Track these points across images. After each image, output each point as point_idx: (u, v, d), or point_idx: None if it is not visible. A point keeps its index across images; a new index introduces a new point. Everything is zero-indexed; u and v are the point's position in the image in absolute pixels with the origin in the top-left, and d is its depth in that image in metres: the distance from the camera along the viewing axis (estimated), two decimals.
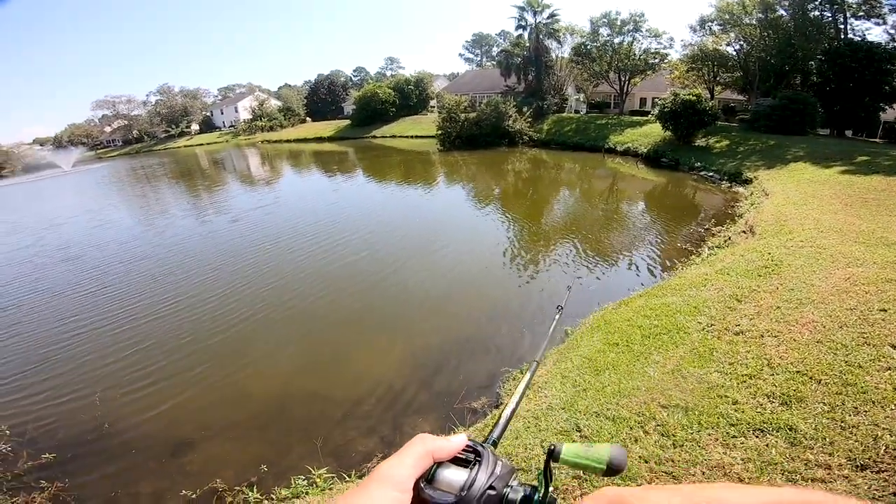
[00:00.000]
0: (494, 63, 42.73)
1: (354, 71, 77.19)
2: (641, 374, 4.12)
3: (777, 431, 2.95)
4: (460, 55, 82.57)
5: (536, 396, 4.50)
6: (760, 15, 21.38)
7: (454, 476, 0.49)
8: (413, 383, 5.71)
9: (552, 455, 0.53)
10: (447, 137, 29.42)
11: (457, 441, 0.52)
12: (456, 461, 0.52)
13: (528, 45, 32.30)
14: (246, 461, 4.61)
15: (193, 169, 35.71)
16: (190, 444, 4.96)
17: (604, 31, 28.83)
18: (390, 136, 41.99)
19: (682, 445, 3.02)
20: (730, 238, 8.59)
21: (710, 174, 16.26)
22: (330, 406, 5.38)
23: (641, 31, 27.93)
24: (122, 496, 4.40)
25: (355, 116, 47.87)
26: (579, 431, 3.54)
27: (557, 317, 1.33)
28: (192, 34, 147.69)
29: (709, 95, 22.63)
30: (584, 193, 16.59)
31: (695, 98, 18.71)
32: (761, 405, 3.25)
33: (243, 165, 35.26)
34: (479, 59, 77.23)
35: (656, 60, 28.29)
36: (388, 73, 74.02)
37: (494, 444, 0.62)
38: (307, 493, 3.94)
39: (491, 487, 0.49)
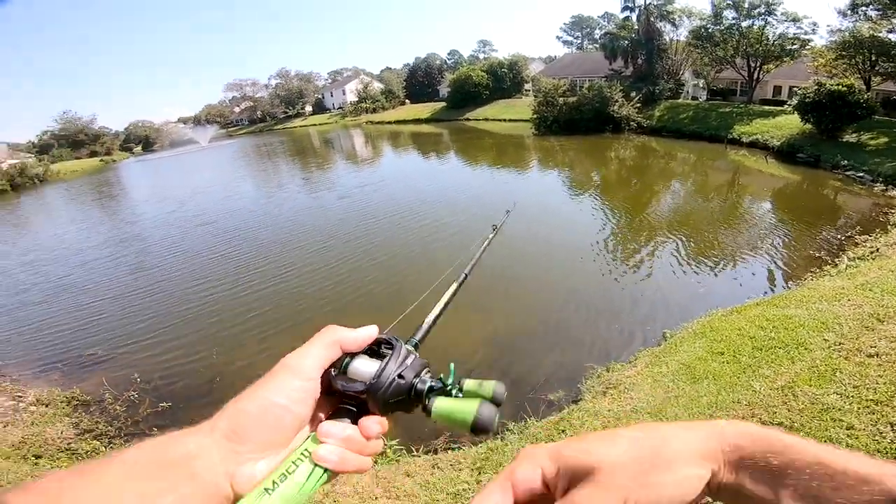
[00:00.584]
0: (597, 46, 40.27)
1: (448, 54, 77.49)
2: (745, 387, 3.76)
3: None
4: (558, 38, 79.08)
5: (621, 397, 4.32)
6: None
7: (365, 367, 0.48)
8: (491, 365, 5.78)
9: (425, 408, 0.50)
10: (543, 122, 28.52)
11: (366, 332, 0.50)
12: (369, 354, 0.51)
13: (636, 27, 29.95)
14: None
15: (307, 147, 39.01)
16: None
17: (728, 13, 25.58)
18: (483, 119, 41.86)
19: None
20: (878, 250, 7.30)
21: (860, 175, 13.79)
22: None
23: (775, 15, 24.30)
24: None
25: (450, 99, 48.41)
26: None
27: (491, 236, 1.21)
28: (307, 21, 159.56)
29: (864, 86, 19.06)
30: (699, 187, 15.10)
31: (845, 88, 15.92)
32: (881, 433, 2.87)
33: (349, 145, 37.73)
34: (578, 42, 73.20)
35: (795, 47, 24.47)
36: (481, 55, 73.27)
37: (416, 346, 0.59)
38: (376, 462, 4.18)
39: (400, 376, 0.48)
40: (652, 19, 29.18)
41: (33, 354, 7.50)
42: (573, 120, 26.98)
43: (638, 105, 26.94)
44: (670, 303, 6.91)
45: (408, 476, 3.62)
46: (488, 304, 7.47)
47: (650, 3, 29.23)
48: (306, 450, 0.44)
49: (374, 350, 0.51)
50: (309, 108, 71.43)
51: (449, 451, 4.09)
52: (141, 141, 69.38)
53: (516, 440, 3.91)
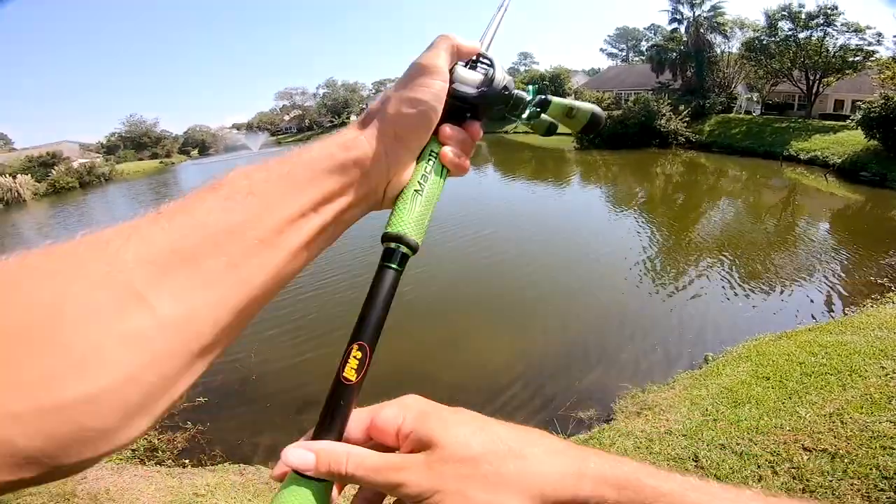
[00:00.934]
0: (643, 58, 39.44)
1: None
2: (790, 412, 3.56)
3: None
4: (601, 50, 77.47)
5: (656, 419, 4.17)
6: None
7: (469, 75, 0.49)
8: (522, 380, 5.71)
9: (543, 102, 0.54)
10: (585, 136, 28.11)
11: (473, 42, 0.50)
12: (467, 65, 0.50)
13: (684, 39, 29.14)
14: None
15: None
16: (314, 404, 5.47)
17: (784, 24, 24.42)
18: (523, 132, 41.70)
19: (814, 491, 2.65)
20: None
21: None
22: (440, 388, 5.61)
23: (835, 25, 22.96)
24: (245, 444, 5.01)
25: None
26: (696, 461, 3.24)
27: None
28: (354, 32, 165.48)
29: None
30: (751, 206, 14.39)
31: None
32: None
33: None
34: (623, 54, 71.83)
35: (858, 58, 23.02)
36: (522, 68, 73.20)
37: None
38: None
39: (505, 88, 0.49)
40: (702, 31, 28.36)
41: None
42: (617, 134, 26.41)
43: (686, 119, 26.08)
44: (715, 325, 6.62)
45: None
46: (524, 318, 7.43)
47: (700, 15, 28.45)
48: (433, 151, 0.46)
49: (472, 63, 0.51)
50: (354, 118, 73.48)
51: None
52: (198, 145, 73.71)
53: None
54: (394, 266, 0.41)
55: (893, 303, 6.04)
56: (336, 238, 0.43)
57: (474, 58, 0.51)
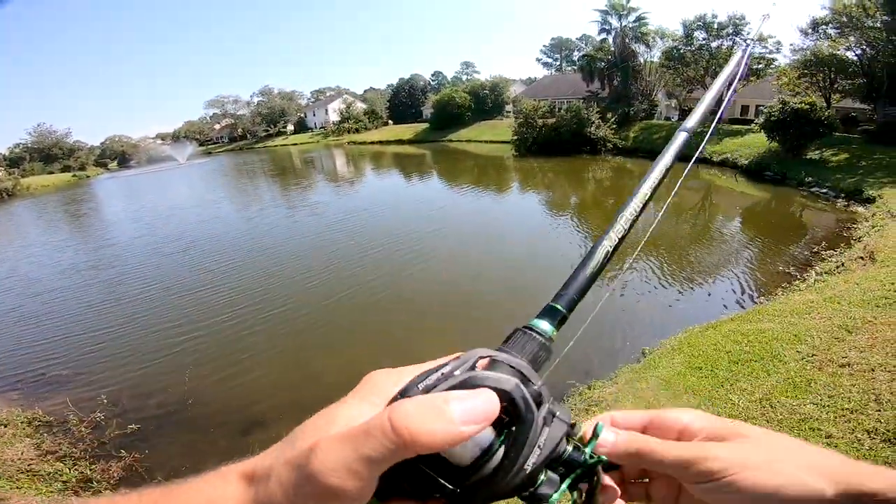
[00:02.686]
0: (575, 68, 41.51)
1: (432, 75, 78.66)
2: (724, 400, 3.83)
3: None
4: (538, 59, 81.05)
5: (602, 414, 4.33)
6: (886, 17, 18.55)
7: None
8: None
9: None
10: (523, 143, 29.08)
11: (486, 403, 0.32)
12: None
13: (612, 49, 31.03)
14: None
15: (287, 167, 38.75)
16: (260, 424, 5.31)
17: (699, 34, 26.89)
18: (466, 141, 42.46)
19: None
20: (843, 264, 7.59)
21: (823, 191, 14.44)
22: None
23: (742, 35, 25.64)
24: (188, 471, 4.68)
25: (433, 120, 49.02)
26: None
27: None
28: (289, 38, 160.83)
29: (825, 104, 20.08)
30: (673, 206, 15.45)
31: (807, 107, 16.72)
32: (859, 440, 2.99)
33: (331, 166, 37.58)
34: (557, 63, 75.43)
35: (761, 66, 25.77)
36: (464, 77, 74.75)
37: (563, 320, 0.42)
38: None
39: (522, 468, 0.32)
40: (627, 41, 30.17)
41: None
42: (552, 141, 27.58)
43: (614, 126, 27.74)
44: (648, 320, 7.02)
45: None
46: (460, 323, 7.48)
47: (626, 26, 30.26)
48: None
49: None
50: (290, 127, 71.36)
51: None
52: (117, 156, 68.07)
53: None
54: None
55: (800, 290, 6.71)
56: None
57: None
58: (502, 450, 0.32)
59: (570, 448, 0.36)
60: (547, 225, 13.61)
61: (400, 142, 49.30)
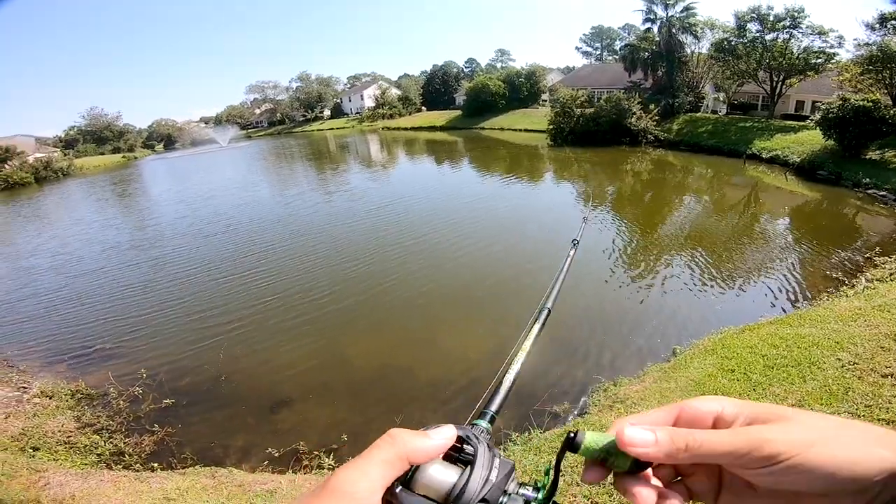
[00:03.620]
0: (616, 57, 40.17)
1: (466, 62, 77.70)
2: None
3: None
4: (577, 48, 78.67)
5: (627, 412, 4.26)
6: None
7: (439, 476, 0.40)
8: (494, 377, 5.74)
9: (571, 445, 0.42)
10: (559, 132, 28.45)
11: (440, 438, 0.42)
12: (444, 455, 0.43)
13: (657, 39, 29.76)
14: (331, 426, 4.97)
15: (324, 152, 39.45)
16: (287, 404, 5.47)
17: (752, 26, 25.23)
18: (499, 129, 41.92)
19: None
20: None
21: (882, 194, 13.47)
22: (417, 384, 5.64)
23: (801, 28, 23.92)
24: (217, 447, 4.88)
25: (466, 107, 48.67)
26: None
27: (572, 253, 1.05)
28: (327, 24, 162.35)
29: (890, 102, 18.63)
30: (716, 203, 14.89)
31: (871, 104, 15.57)
32: None
33: (366, 151, 37.98)
34: (598, 52, 73.03)
35: (820, 60, 24.01)
36: (499, 65, 73.49)
37: (492, 420, 0.51)
38: None
39: (483, 500, 0.39)
40: (674, 31, 28.93)
41: (42, 345, 7.67)
42: (590, 131, 26.85)
43: (656, 118, 26.73)
44: (682, 319, 6.82)
45: None
46: (499, 313, 7.47)
47: (672, 16, 29.01)
48: None
49: (453, 449, 0.43)
50: (327, 112, 72.36)
51: None
52: (163, 139, 70.98)
53: (520, 451, 3.88)
54: None
55: (847, 296, 6.34)
56: None
57: (457, 445, 0.43)
58: (469, 478, 0.40)
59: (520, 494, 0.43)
60: (582, 216, 13.34)
61: (433, 128, 49.21)
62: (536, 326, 0.71)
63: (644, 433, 0.39)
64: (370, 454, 0.39)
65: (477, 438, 0.44)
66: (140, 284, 10.11)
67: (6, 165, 37.49)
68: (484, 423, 0.50)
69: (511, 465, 0.43)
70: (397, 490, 0.39)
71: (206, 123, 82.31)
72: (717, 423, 0.42)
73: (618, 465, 0.42)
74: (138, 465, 4.69)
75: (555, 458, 0.43)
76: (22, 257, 13.94)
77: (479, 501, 0.39)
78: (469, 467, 0.41)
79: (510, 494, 0.42)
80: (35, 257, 13.65)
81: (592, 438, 0.42)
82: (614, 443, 0.41)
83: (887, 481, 0.35)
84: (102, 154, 57.96)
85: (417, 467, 0.40)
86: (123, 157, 57.10)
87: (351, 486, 0.36)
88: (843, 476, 0.35)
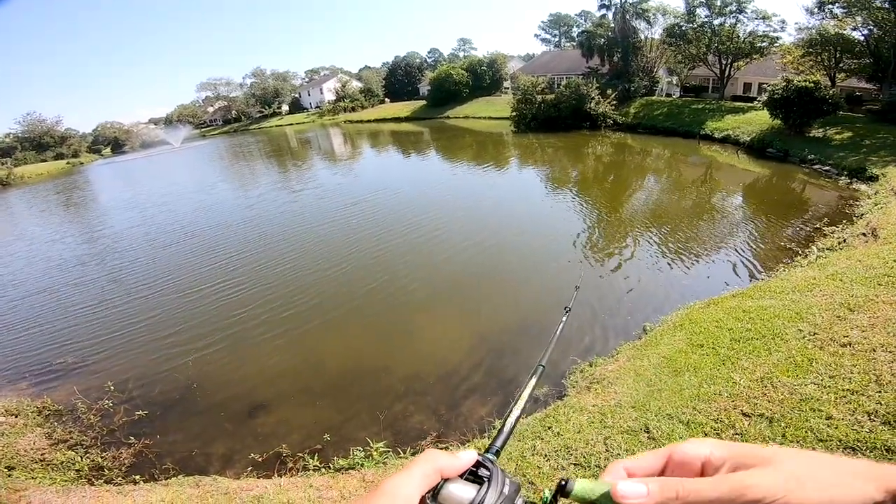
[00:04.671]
0: (574, 44, 40.76)
1: (428, 52, 76.74)
2: (726, 379, 3.84)
3: (871, 451, 2.69)
4: (536, 36, 79.78)
5: (605, 392, 4.36)
6: None
7: (461, 492, 0.48)
8: (474, 365, 5.77)
9: (562, 490, 0.49)
10: (522, 119, 28.74)
11: (466, 458, 0.51)
12: (464, 476, 0.51)
13: (612, 25, 30.42)
14: (311, 427, 4.89)
15: (283, 148, 38.26)
16: (265, 408, 5.35)
17: (701, 11, 26.23)
18: (463, 117, 41.90)
19: None
20: (845, 240, 7.57)
21: (826, 168, 14.32)
22: (395, 380, 5.59)
23: (746, 13, 25.03)
24: (198, 455, 4.76)
25: (430, 97, 48.46)
26: (647, 432, 3.41)
27: (564, 318, 1.24)
28: (281, 19, 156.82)
29: (829, 83, 19.76)
30: (674, 182, 15.44)
31: (812, 85, 16.47)
32: (859, 423, 2.96)
33: (328, 146, 37.10)
34: (556, 39, 73.91)
35: (765, 44, 25.24)
36: (461, 54, 73.26)
37: (497, 453, 0.60)
38: (363, 465, 4.09)
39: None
40: (628, 17, 29.62)
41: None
42: (551, 117, 27.25)
43: (614, 102, 27.39)
44: (649, 296, 7.04)
45: None
46: (469, 302, 7.49)
47: (626, 2, 29.66)
48: None
49: (470, 473, 0.51)
50: (285, 108, 70.19)
51: None
52: (110, 142, 67.05)
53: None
54: None
55: (802, 266, 6.70)
56: None
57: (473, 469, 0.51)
58: (486, 494, 0.48)
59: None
60: (548, 200, 13.52)
61: (397, 119, 48.65)
62: (533, 380, 0.85)
63: (636, 487, 0.42)
64: (412, 467, 0.48)
65: (492, 462, 0.52)
66: (95, 301, 9.50)
67: None
68: (492, 455, 0.59)
69: (518, 484, 0.51)
70: (429, 500, 0.47)
71: (155, 124, 78.23)
72: (706, 468, 0.45)
73: None
74: (119, 478, 4.51)
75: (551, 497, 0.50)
76: None
77: None
78: (487, 484, 0.49)
79: None
80: None
81: (583, 487, 0.47)
82: (608, 494, 0.45)
83: None
84: (44, 161, 54.24)
85: (445, 482, 0.49)
86: (68, 163, 53.65)
87: (397, 489, 0.45)
88: None
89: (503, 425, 0.67)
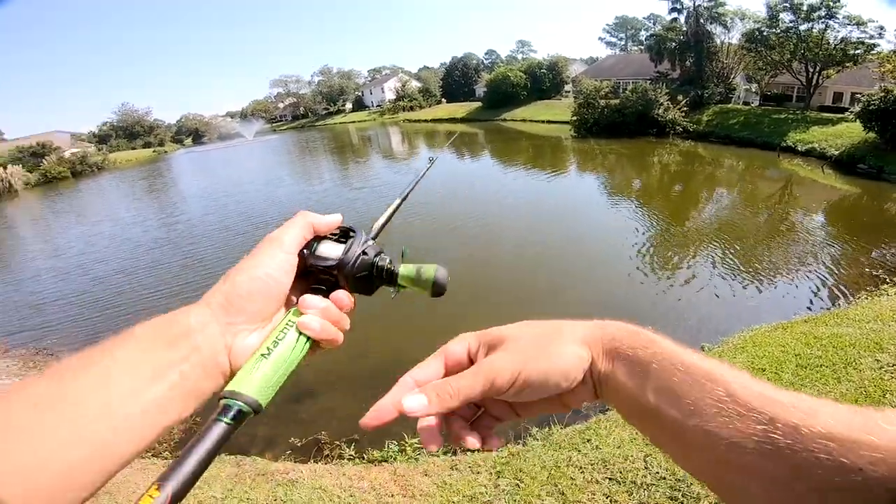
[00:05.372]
0: (642, 48, 39.16)
1: (485, 54, 76.53)
2: None
3: None
4: (600, 39, 77.07)
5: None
6: None
7: (332, 249, 0.53)
8: None
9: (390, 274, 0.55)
10: (583, 124, 27.90)
11: (333, 217, 0.55)
12: (334, 240, 0.55)
13: (684, 28, 28.86)
14: (351, 416, 4.92)
15: (346, 145, 39.81)
16: (309, 393, 5.51)
17: (785, 16, 24.16)
18: (521, 120, 41.40)
19: None
20: None
21: None
22: None
23: (837, 18, 22.73)
24: (241, 435, 4.89)
25: (486, 99, 48.22)
26: None
27: (429, 166, 1.11)
28: (349, 20, 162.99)
29: None
30: (748, 196, 14.36)
31: None
32: None
33: (387, 144, 38.11)
34: (622, 43, 71.34)
35: (859, 51, 22.86)
36: (520, 56, 72.49)
37: (374, 239, 0.60)
38: (395, 459, 4.13)
39: (364, 253, 0.53)
40: (701, 21, 28.05)
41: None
42: (615, 123, 26.23)
43: (684, 109, 25.90)
44: (712, 315, 6.62)
45: (426, 475, 3.62)
46: (522, 308, 7.40)
47: (700, 5, 28.11)
48: (290, 320, 0.48)
49: (338, 237, 0.55)
50: (349, 106, 72.90)
51: (468, 454, 4.05)
52: (191, 133, 72.89)
53: (540, 447, 3.84)
54: (225, 420, 0.41)
55: (888, 295, 6.04)
56: (190, 410, 0.44)
57: (339, 231, 0.55)
58: (352, 244, 0.53)
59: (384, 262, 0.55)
60: (609, 209, 13.08)
61: (453, 120, 49.00)
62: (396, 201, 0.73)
63: (418, 399, 0.43)
64: (289, 223, 0.52)
65: (358, 229, 0.56)
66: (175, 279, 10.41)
67: (44, 160, 39.18)
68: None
69: (380, 247, 0.56)
70: (305, 253, 0.52)
71: (231, 118, 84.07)
72: (473, 361, 0.47)
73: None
74: (167, 452, 4.77)
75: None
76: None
77: (361, 253, 0.53)
78: (352, 239, 0.54)
79: (381, 256, 0.55)
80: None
81: (406, 271, 0.55)
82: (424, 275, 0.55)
83: (589, 367, 0.43)
84: (134, 149, 59.92)
85: (317, 244, 0.53)
86: (154, 151, 58.92)
87: (280, 237, 0.50)
88: (557, 379, 0.42)
89: (382, 214, 0.65)
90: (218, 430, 0.40)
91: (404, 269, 0.55)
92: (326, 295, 0.51)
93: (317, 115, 73.54)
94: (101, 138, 61.83)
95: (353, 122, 62.51)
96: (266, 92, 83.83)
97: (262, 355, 0.45)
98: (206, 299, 0.46)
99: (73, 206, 25.17)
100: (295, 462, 4.35)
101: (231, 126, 73.25)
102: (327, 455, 4.52)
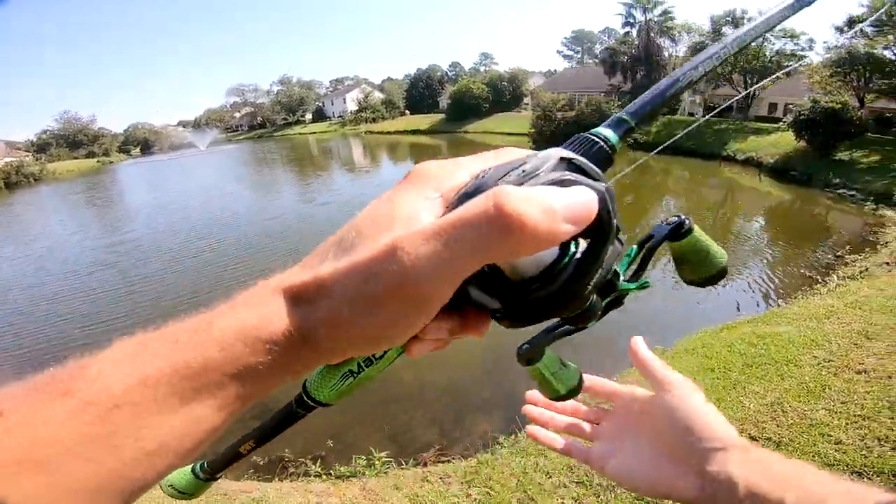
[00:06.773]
0: (597, 61, 41.00)
1: (450, 66, 77.74)
2: (735, 403, 3.81)
3: (878, 475, 2.70)
4: (558, 52, 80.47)
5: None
6: None
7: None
8: (482, 378, 5.78)
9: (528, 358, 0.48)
10: (541, 136, 28.77)
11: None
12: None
13: (636, 42, 30.50)
14: (317, 432, 4.89)
15: (305, 157, 39.09)
16: (269, 412, 5.44)
17: (727, 29, 26.09)
18: (482, 132, 42.11)
19: None
20: (867, 269, 7.38)
21: (851, 193, 13.97)
22: (401, 390, 5.62)
23: (773, 31, 24.78)
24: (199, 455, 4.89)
25: (449, 111, 48.76)
26: None
27: None
28: (311, 29, 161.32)
29: (857, 103, 19.36)
30: (693, 204, 15.25)
31: (839, 106, 16.16)
32: (868, 448, 2.96)
33: (347, 155, 37.74)
34: (578, 56, 74.46)
35: (791, 64, 24.97)
36: (482, 68, 74.07)
37: (631, 129, 0.35)
38: (364, 474, 4.10)
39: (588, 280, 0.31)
40: (652, 35, 29.69)
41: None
42: (571, 134, 26.53)
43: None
44: (662, 320, 6.98)
45: (396, 489, 3.61)
46: None
47: (651, 19, 29.77)
48: None
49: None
50: (309, 116, 71.78)
51: (438, 464, 4.08)
52: (140, 143, 69.46)
53: (507, 454, 3.91)
54: (301, 412, 0.45)
55: (821, 294, 6.56)
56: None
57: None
58: (573, 261, 0.28)
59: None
60: None
61: (416, 132, 49.16)
62: None
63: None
64: None
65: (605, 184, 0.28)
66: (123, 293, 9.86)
67: None
68: (613, 135, 0.34)
69: (620, 248, 0.33)
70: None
71: (184, 127, 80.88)
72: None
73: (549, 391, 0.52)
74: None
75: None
76: None
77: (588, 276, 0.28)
78: (585, 252, 0.29)
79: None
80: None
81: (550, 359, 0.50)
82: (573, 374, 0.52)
83: None
84: (76, 158, 56.45)
85: None
86: (98, 161, 55.69)
87: (437, 173, 0.33)
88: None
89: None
90: (292, 417, 0.47)
91: (547, 360, 0.49)
92: (461, 309, 0.32)
93: (275, 125, 71.92)
94: (39, 147, 57.85)
95: (314, 132, 61.54)
96: (222, 101, 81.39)
97: (351, 372, 0.36)
98: (329, 314, 0.28)
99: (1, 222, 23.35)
100: (258, 481, 4.22)
101: (183, 136, 70.49)
102: (292, 473, 4.42)
